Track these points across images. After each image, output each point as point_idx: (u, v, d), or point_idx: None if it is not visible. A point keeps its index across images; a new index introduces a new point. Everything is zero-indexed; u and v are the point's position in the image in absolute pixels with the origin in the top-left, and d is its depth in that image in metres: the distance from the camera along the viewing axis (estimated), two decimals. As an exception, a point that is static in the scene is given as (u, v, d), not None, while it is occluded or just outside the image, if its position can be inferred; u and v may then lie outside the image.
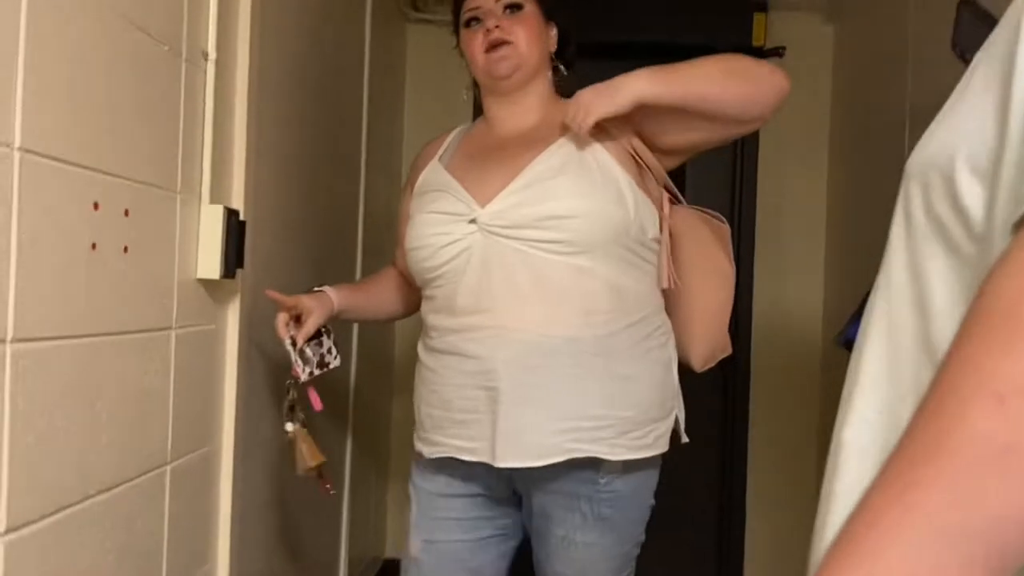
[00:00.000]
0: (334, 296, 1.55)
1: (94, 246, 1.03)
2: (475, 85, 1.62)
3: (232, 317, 1.46)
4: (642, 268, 1.48)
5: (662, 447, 1.49)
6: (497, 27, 1.50)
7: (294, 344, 1.46)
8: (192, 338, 1.33)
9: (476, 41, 1.52)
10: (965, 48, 1.49)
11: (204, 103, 1.33)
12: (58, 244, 0.96)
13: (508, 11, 1.52)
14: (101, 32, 1.04)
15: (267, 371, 1.65)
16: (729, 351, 1.63)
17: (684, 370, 1.56)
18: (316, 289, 1.55)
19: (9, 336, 0.88)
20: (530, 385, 1.38)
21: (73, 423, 1.00)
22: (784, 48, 2.81)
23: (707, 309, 1.58)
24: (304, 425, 1.47)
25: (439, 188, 1.52)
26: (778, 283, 3.01)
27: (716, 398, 3.02)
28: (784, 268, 3.00)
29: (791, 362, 2.97)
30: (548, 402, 1.38)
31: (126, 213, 1.10)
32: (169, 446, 1.26)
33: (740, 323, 2.98)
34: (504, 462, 1.38)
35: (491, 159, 1.51)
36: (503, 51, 1.50)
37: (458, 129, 1.66)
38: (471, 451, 1.42)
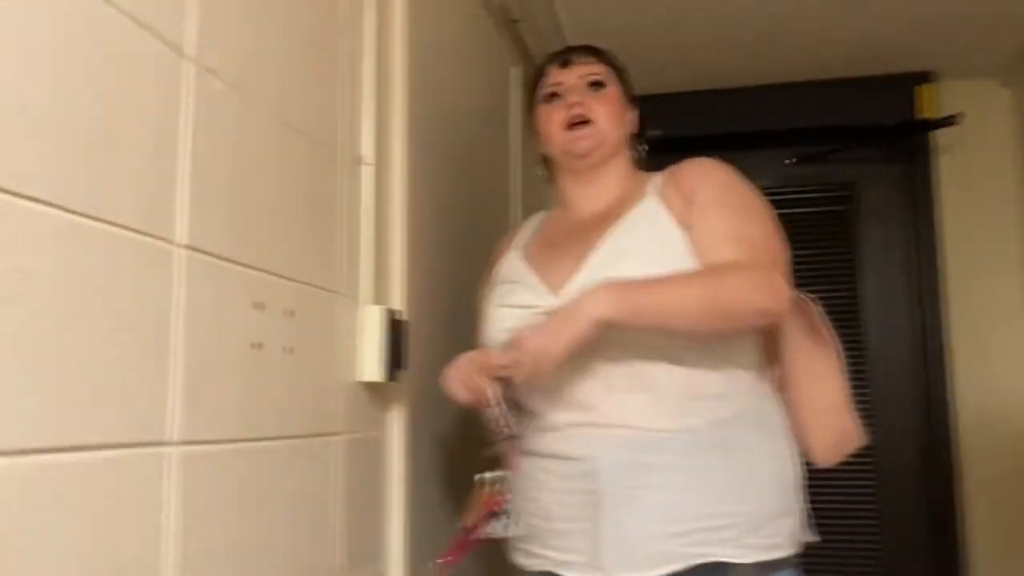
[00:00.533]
0: None
1: (257, 346, 1.00)
2: (545, 162, 1.54)
3: (396, 422, 1.41)
4: (742, 346, 1.34)
5: (795, 546, 1.30)
6: (579, 103, 1.44)
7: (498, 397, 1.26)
8: (358, 445, 1.28)
9: (555, 117, 1.45)
10: None
11: (362, 207, 1.33)
12: (222, 343, 0.93)
13: (591, 88, 1.46)
14: (263, 136, 1.05)
15: (436, 480, 1.58)
16: (860, 443, 1.43)
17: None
18: None
19: (172, 438, 0.85)
20: (637, 485, 1.24)
21: (237, 532, 0.95)
22: (955, 117, 2.62)
23: (815, 398, 1.41)
24: (493, 484, 1.28)
25: (512, 279, 1.43)
26: (981, 371, 2.71)
27: (921, 523, 2.71)
28: (986, 351, 2.70)
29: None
30: (658, 502, 1.23)
31: (290, 313, 1.08)
32: (337, 562, 1.19)
33: (937, 421, 2.70)
34: (614, 574, 1.23)
35: (565, 244, 1.41)
36: (584, 129, 1.43)
37: (537, 216, 1.59)
38: (568, 565, 1.28)
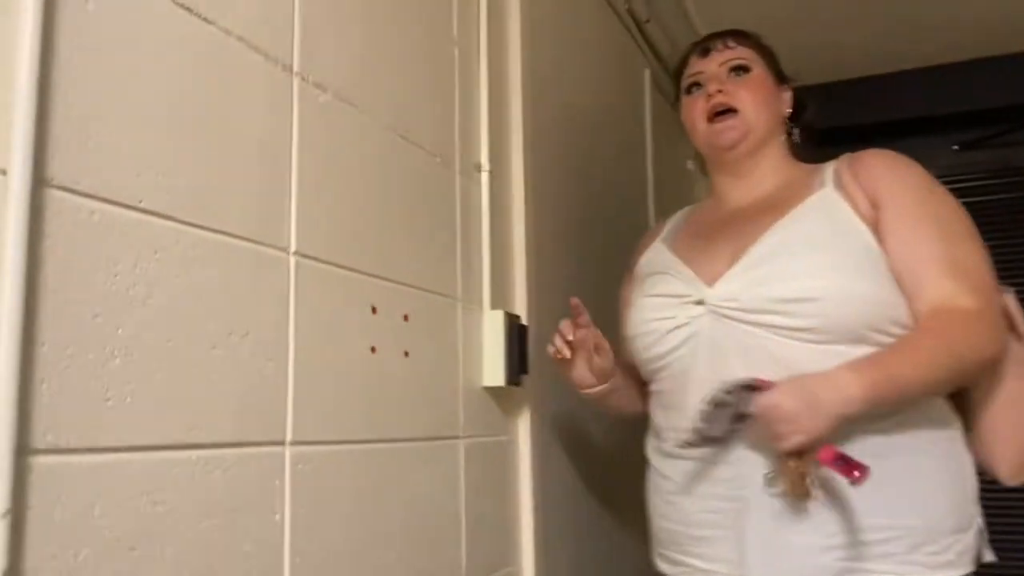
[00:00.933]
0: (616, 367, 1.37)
1: (373, 349, 1.03)
2: (697, 155, 1.46)
3: (523, 427, 1.41)
4: None
5: (968, 565, 1.16)
6: (720, 91, 1.34)
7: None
8: (482, 449, 1.29)
9: (697, 108, 1.36)
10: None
11: (481, 212, 1.34)
12: (336, 345, 0.97)
13: (734, 73, 1.36)
14: (375, 145, 1.08)
15: (565, 483, 1.57)
16: None
17: None
18: None
19: (288, 438, 0.88)
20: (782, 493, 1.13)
21: (355, 533, 0.98)
22: None
23: (1008, 407, 1.23)
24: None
25: (660, 270, 1.35)
26: None
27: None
28: None
29: None
30: (812, 511, 1.12)
31: (405, 318, 1.11)
32: (463, 565, 1.21)
33: None
34: None
35: (720, 234, 1.31)
36: (728, 120, 1.33)
37: (683, 210, 1.51)
38: (712, 574, 1.21)
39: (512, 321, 1.33)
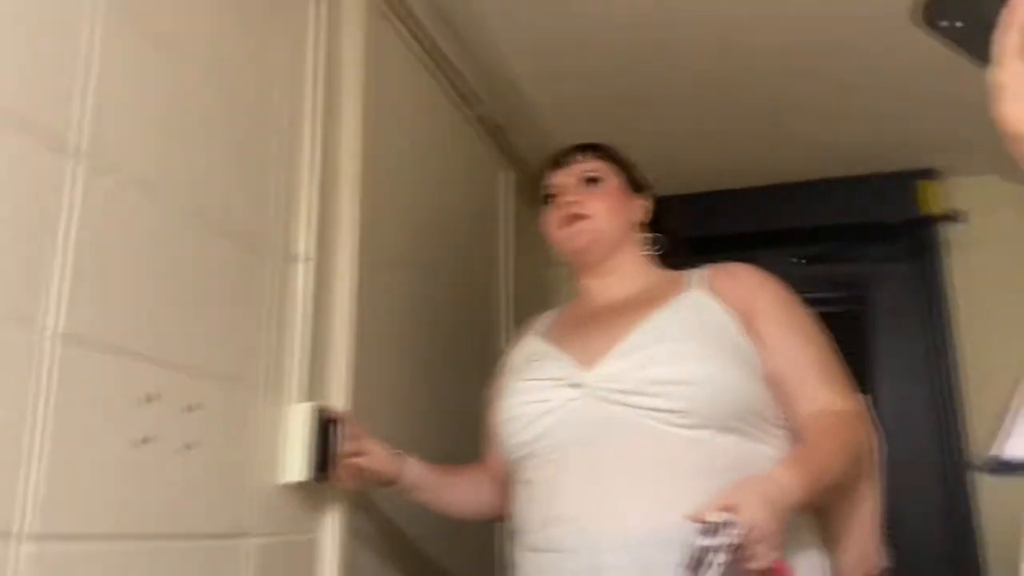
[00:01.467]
0: (409, 465, 1.40)
1: (145, 440, 0.99)
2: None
3: (330, 525, 1.37)
4: (775, 445, 1.26)
5: None
6: (572, 202, 1.44)
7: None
8: (277, 548, 1.24)
9: (552, 218, 1.47)
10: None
11: (296, 303, 1.33)
12: (96, 435, 0.92)
13: (586, 185, 1.46)
14: (168, 230, 1.06)
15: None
16: (883, 565, 1.35)
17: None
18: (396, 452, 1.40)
19: (25, 531, 0.83)
20: None
21: (108, 636, 0.92)
22: (959, 213, 2.56)
23: (851, 514, 1.33)
24: None
25: (536, 356, 1.39)
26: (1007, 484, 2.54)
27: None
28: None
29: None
30: None
31: (189, 408, 1.07)
32: (244, 671, 1.14)
33: (962, 532, 2.52)
34: None
35: (593, 326, 1.38)
36: (578, 225, 1.42)
37: (553, 309, 1.57)
38: None
39: (321, 415, 1.30)
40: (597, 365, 1.27)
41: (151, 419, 1.00)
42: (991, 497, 2.52)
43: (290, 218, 1.34)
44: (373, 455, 1.36)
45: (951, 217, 2.57)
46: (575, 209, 1.43)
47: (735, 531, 1.03)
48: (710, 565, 1.02)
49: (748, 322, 1.30)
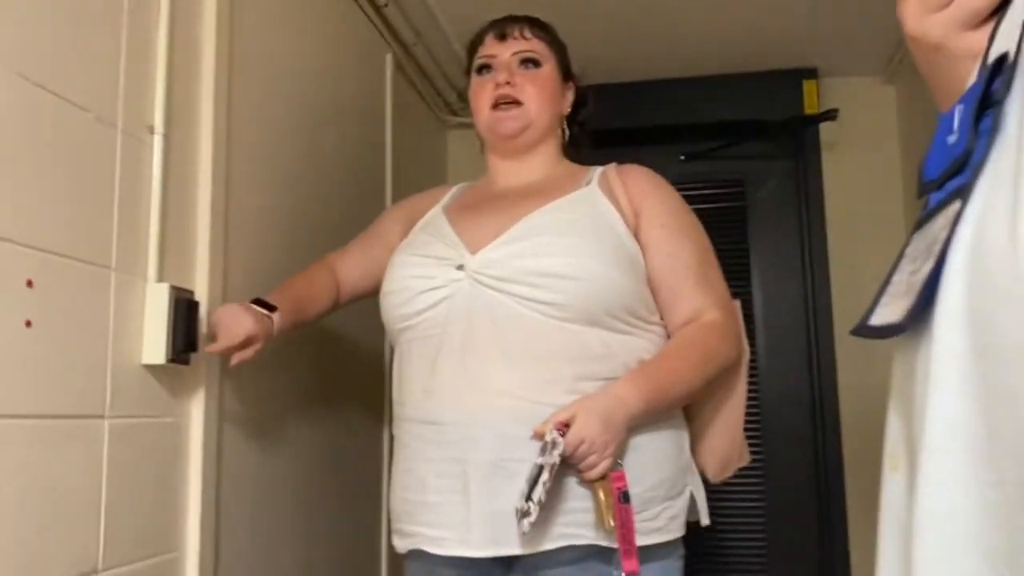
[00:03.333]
0: (275, 319, 1.36)
1: (-25, 316, 0.93)
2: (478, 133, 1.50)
3: (196, 408, 1.34)
4: (647, 339, 1.30)
5: (678, 530, 1.27)
6: (508, 83, 1.40)
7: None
8: (137, 430, 1.20)
9: (484, 92, 1.42)
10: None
11: (151, 178, 1.26)
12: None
13: (523, 66, 1.42)
14: (2, 94, 0.98)
15: (252, 468, 1.51)
16: (747, 460, 1.45)
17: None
18: (256, 304, 1.34)
19: None
20: (514, 459, 1.17)
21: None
22: (836, 111, 2.63)
23: (717, 414, 1.40)
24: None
25: (430, 233, 1.38)
26: (864, 367, 2.71)
27: (810, 511, 2.70)
28: (872, 349, 2.71)
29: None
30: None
31: (29, 284, 1.01)
32: (100, 552, 1.12)
33: (826, 415, 2.69)
34: (480, 551, 1.17)
35: (488, 209, 1.38)
36: (512, 111, 1.39)
37: (461, 184, 1.55)
38: (438, 541, 1.21)
39: (180, 296, 1.26)
40: (482, 251, 1.28)
41: (-17, 294, 0.94)
42: (849, 382, 2.68)
43: (142, 89, 1.25)
44: (253, 343, 1.32)
45: (829, 116, 2.63)
46: (509, 91, 1.40)
47: (557, 452, 1.12)
48: (545, 484, 1.11)
49: (636, 223, 1.32)
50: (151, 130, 1.26)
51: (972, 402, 0.46)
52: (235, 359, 1.31)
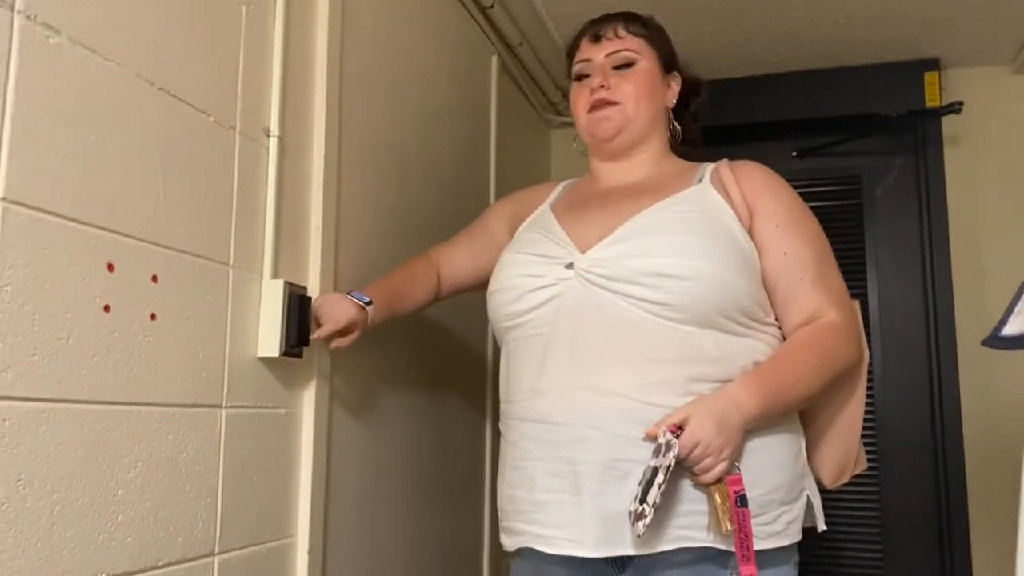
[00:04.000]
0: (372, 310, 1.39)
1: (107, 308, 0.99)
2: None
3: (307, 400, 1.39)
4: (763, 340, 1.27)
5: (795, 535, 1.24)
6: (602, 86, 1.39)
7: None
8: (252, 420, 1.26)
9: (582, 98, 1.42)
10: None
11: (268, 179, 1.31)
12: (54, 300, 0.92)
13: (618, 70, 1.41)
14: (126, 96, 1.03)
15: (361, 459, 1.55)
16: (864, 466, 1.40)
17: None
18: (354, 297, 1.38)
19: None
20: (626, 459, 1.16)
21: (79, 496, 0.94)
22: (961, 103, 2.50)
23: (834, 417, 1.35)
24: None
25: (538, 231, 1.38)
26: (987, 377, 2.56)
27: (929, 519, 2.57)
28: (993, 357, 2.56)
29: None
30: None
31: (154, 279, 1.07)
32: (217, 535, 1.17)
33: (946, 423, 2.56)
34: (593, 551, 1.16)
35: (595, 208, 1.36)
36: (607, 111, 1.38)
37: (568, 180, 1.55)
38: (550, 540, 1.20)
39: (294, 291, 1.30)
40: (592, 249, 1.27)
41: (113, 288, 1.00)
42: (972, 387, 2.54)
43: (259, 92, 1.31)
44: (353, 330, 1.36)
45: (953, 109, 2.50)
46: (605, 95, 1.39)
47: (672, 454, 1.10)
48: (660, 486, 1.09)
49: (751, 221, 1.29)
50: (267, 132, 1.32)
51: None
52: (334, 344, 1.36)
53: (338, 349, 1.37)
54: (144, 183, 1.06)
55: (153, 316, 1.07)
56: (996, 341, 0.55)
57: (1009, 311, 0.55)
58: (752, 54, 2.65)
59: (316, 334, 1.34)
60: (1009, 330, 0.54)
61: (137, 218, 1.04)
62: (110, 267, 1.00)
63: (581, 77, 1.44)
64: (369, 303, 1.38)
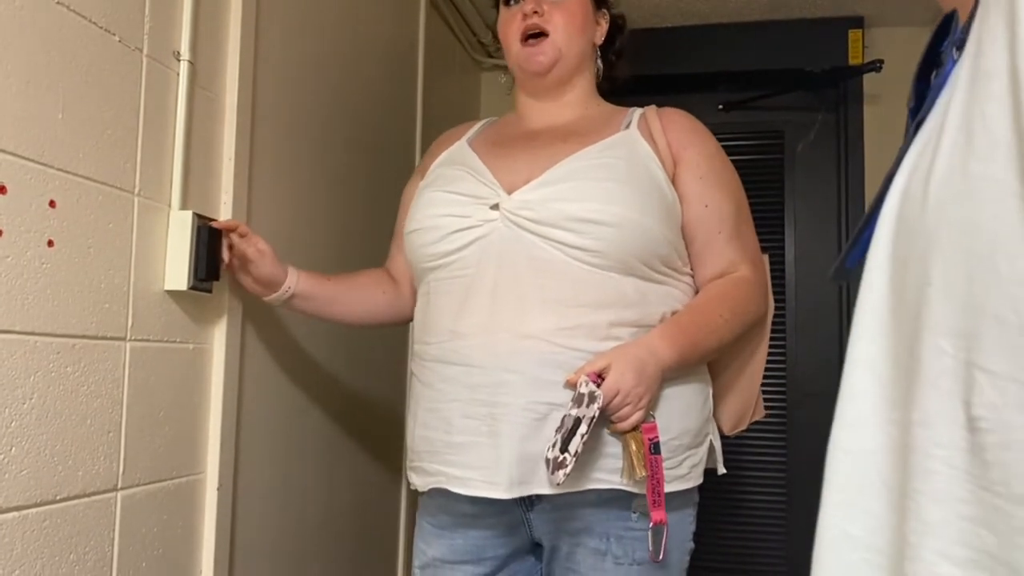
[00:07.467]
0: (296, 274, 1.37)
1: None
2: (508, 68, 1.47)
3: (218, 335, 1.36)
4: (680, 288, 1.29)
5: (697, 478, 1.28)
6: (536, 12, 1.35)
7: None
8: (158, 354, 1.22)
9: (513, 25, 1.38)
10: None
11: (177, 106, 1.26)
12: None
13: None
14: (24, 12, 0.97)
15: (274, 395, 1.54)
16: (762, 414, 1.44)
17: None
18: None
19: None
20: (545, 403, 1.17)
21: (-36, 426, 0.90)
22: (881, 62, 2.55)
23: (737, 367, 1.39)
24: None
25: (459, 167, 1.35)
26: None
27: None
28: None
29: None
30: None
31: (51, 204, 1.02)
32: (120, 470, 1.15)
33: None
34: (508, 492, 1.18)
35: (521, 149, 1.34)
36: (541, 44, 1.35)
37: (487, 119, 1.52)
38: (466, 482, 1.21)
39: (203, 224, 1.27)
40: (519, 191, 1.25)
41: (6, 211, 0.95)
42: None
43: (168, 14, 1.25)
44: (265, 255, 1.32)
45: (873, 68, 2.55)
46: (537, 21, 1.35)
47: (596, 405, 1.11)
48: (583, 436, 1.11)
49: (675, 170, 1.30)
50: (177, 56, 1.26)
51: (885, 343, 0.47)
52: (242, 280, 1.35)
53: (245, 288, 1.34)
54: (40, 103, 1.01)
55: (51, 243, 1.02)
56: (842, 274, 0.58)
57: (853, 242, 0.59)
58: (681, 3, 2.65)
59: (226, 255, 1.31)
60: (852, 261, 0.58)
61: (32, 139, 0.99)
62: (2, 189, 0.95)
63: (510, 2, 1.41)
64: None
